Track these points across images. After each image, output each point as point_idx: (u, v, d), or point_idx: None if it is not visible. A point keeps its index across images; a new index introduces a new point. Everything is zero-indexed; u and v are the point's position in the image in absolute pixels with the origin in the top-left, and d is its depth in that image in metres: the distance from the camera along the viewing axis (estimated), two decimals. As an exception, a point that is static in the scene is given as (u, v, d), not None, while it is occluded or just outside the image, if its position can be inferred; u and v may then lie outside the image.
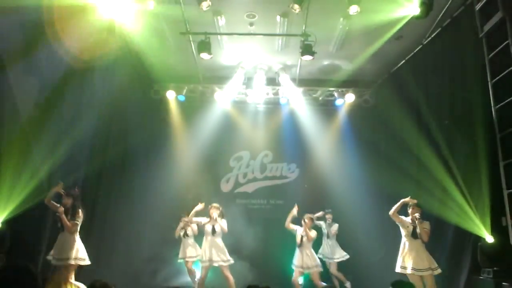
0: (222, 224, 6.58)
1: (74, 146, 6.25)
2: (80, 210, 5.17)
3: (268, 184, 9.49)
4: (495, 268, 5.22)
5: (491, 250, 5.35)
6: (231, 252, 6.86)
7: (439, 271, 5.26)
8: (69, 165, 6.01)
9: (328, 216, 7.74)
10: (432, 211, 6.30)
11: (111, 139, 7.38)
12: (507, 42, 5.05)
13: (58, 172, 5.87)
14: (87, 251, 5.27)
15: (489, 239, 5.37)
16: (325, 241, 7.71)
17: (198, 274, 7.20)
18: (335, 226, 7.71)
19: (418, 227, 5.34)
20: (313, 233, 6.76)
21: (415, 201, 5.56)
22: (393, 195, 6.71)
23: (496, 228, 5.29)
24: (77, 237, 5.13)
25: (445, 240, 6.12)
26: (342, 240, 7.83)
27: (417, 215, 5.38)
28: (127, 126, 7.68)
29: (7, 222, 5.27)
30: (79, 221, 5.15)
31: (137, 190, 8.35)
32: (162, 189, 8.43)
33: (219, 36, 6.94)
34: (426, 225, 5.43)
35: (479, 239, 5.48)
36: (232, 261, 6.59)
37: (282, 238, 7.60)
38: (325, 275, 7.32)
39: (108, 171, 7.44)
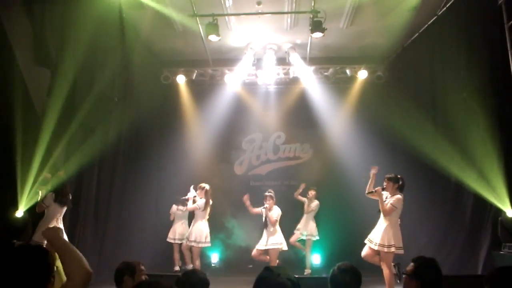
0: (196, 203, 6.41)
1: (89, 134, 6.33)
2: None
3: (281, 165, 9.47)
4: (516, 243, 5.15)
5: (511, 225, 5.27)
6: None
7: (390, 249, 4.90)
8: (83, 153, 6.09)
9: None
10: (450, 188, 6.21)
11: (124, 126, 7.41)
12: (527, 8, 4.84)
13: (74, 159, 5.97)
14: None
15: (510, 213, 5.29)
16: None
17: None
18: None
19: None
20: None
21: (376, 167, 5.44)
22: (408, 172, 6.63)
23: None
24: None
25: (464, 216, 6.05)
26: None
27: (384, 184, 5.24)
28: (139, 112, 7.69)
29: (28, 210, 5.40)
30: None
31: (150, 176, 8.44)
32: (175, 175, 8.50)
33: (226, 17, 6.83)
34: (394, 200, 5.08)
35: (499, 213, 5.39)
36: (201, 246, 6.33)
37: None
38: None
39: (122, 158, 7.52)
